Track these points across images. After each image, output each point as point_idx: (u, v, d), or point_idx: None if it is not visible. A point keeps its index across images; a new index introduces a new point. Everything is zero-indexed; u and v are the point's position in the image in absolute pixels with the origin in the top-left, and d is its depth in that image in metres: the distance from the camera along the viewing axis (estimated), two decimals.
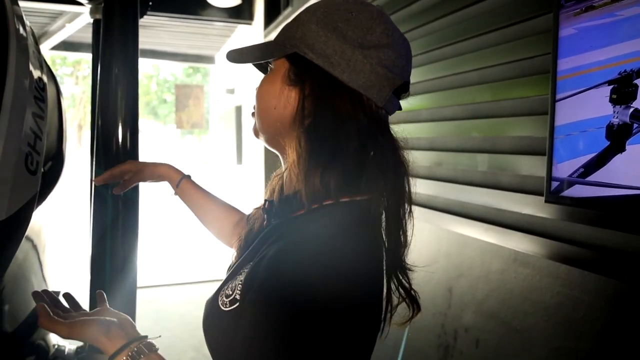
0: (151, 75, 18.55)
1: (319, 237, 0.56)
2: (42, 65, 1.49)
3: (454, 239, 1.79)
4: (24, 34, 1.28)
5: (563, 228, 1.28)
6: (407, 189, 0.63)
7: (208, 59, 7.59)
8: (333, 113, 0.59)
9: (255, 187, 4.77)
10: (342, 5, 0.62)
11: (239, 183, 5.89)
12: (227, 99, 6.97)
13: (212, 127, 9.82)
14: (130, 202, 1.36)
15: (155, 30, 5.56)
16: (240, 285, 0.58)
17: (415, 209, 2.00)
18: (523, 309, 1.46)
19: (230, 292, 0.59)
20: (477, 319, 1.66)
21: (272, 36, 4.22)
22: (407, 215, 0.63)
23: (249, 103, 5.04)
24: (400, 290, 0.63)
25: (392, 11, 2.12)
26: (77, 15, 4.60)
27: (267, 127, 0.66)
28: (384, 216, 0.62)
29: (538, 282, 1.40)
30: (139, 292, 1.45)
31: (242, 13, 4.65)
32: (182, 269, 4.99)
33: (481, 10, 1.59)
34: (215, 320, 0.60)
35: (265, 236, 0.64)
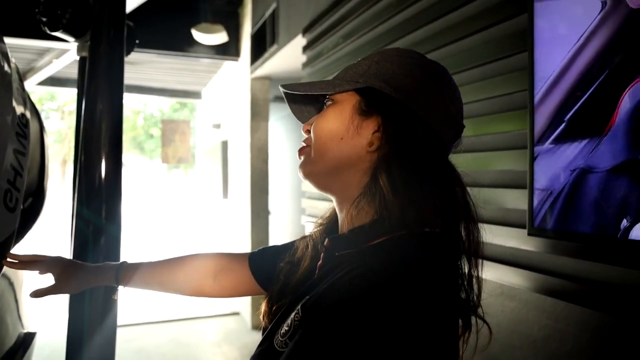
0: (138, 110, 18.60)
1: (397, 267, 0.52)
2: (26, 101, 1.49)
3: None
4: (9, 71, 1.28)
5: (547, 260, 1.29)
6: (477, 234, 0.61)
7: (195, 94, 7.65)
8: (418, 142, 0.57)
9: (241, 222, 4.74)
10: (414, 54, 0.65)
11: (225, 217, 5.84)
12: (213, 133, 7.00)
13: (198, 161, 9.82)
14: (112, 240, 1.34)
15: (142, 66, 5.62)
16: (298, 315, 0.54)
17: None
18: (511, 343, 1.44)
19: (288, 328, 0.55)
20: (465, 354, 1.64)
21: (259, 72, 4.30)
22: (479, 263, 0.61)
23: (235, 138, 5.06)
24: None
25: (376, 49, 2.18)
26: (64, 51, 4.64)
27: (330, 159, 0.62)
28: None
29: (525, 315, 1.39)
30: (119, 331, 1.41)
31: (228, 49, 4.73)
32: (164, 306, 4.87)
33: (460, 48, 1.64)
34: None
35: (330, 268, 0.59)
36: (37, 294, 0.96)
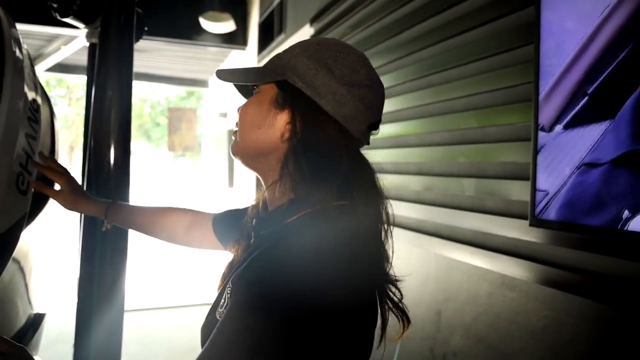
0: (145, 98, 18.63)
1: (303, 242, 0.59)
2: (37, 87, 1.51)
3: (443, 263, 1.80)
4: (21, 57, 1.30)
5: (547, 251, 1.30)
6: (383, 209, 0.68)
7: (202, 83, 7.66)
8: (323, 135, 0.65)
9: None
10: (332, 46, 0.69)
11: (230, 205, 5.88)
12: (219, 122, 7.02)
13: (204, 150, 9.84)
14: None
15: (150, 54, 5.63)
16: (230, 289, 0.59)
17: (404, 232, 2.02)
18: (510, 333, 1.46)
19: (224, 301, 0.61)
20: (465, 343, 1.66)
21: (264, 61, 4.29)
22: (387, 233, 0.68)
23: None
24: (390, 303, 0.66)
25: (383, 39, 2.18)
26: (72, 38, 4.66)
27: (250, 145, 0.70)
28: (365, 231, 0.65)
29: (524, 305, 1.41)
30: (126, 316, 1.44)
31: (236, 38, 4.74)
32: (171, 292, 4.93)
33: (467, 40, 1.65)
34: (210, 329, 0.60)
35: (253, 246, 0.66)
36: (39, 186, 1.10)
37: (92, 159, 1.37)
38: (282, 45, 3.69)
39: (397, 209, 2.05)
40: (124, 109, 1.39)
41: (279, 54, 0.71)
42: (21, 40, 1.34)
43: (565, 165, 1.14)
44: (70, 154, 17.08)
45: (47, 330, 1.68)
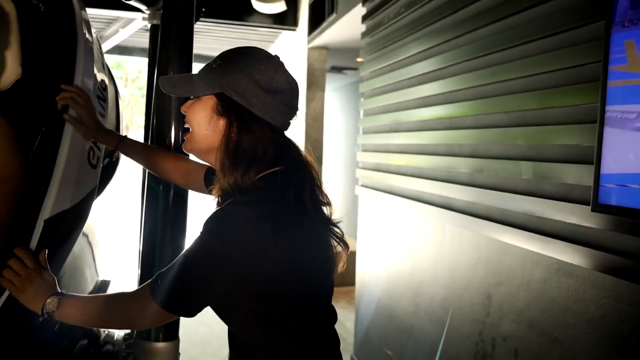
0: None
1: (229, 209, 0.86)
2: (105, 67, 1.59)
3: (494, 246, 1.77)
4: (90, 39, 1.37)
5: (610, 238, 1.26)
6: (309, 172, 0.94)
7: None
8: (253, 136, 0.89)
9: None
10: (257, 58, 0.91)
11: None
12: None
13: None
14: (179, 199, 1.43)
15: (201, 35, 5.74)
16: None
17: (453, 214, 2.02)
18: (565, 320, 1.43)
19: None
20: (517, 328, 1.64)
21: (316, 42, 4.29)
22: (320, 184, 0.96)
23: None
24: (336, 238, 0.95)
25: (438, 18, 2.13)
26: (130, 21, 4.82)
27: (199, 145, 0.94)
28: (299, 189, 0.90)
29: (582, 292, 1.38)
30: None
31: (286, 19, 4.74)
32: None
33: (529, 18, 1.58)
34: None
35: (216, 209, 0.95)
36: (67, 117, 1.21)
37: (155, 137, 1.44)
38: (334, 25, 3.67)
39: (448, 190, 2.06)
40: None
41: (210, 66, 0.92)
42: (90, 23, 1.41)
43: (632, 149, 1.09)
44: (126, 132, 17.77)
45: None
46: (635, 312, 1.21)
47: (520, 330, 1.62)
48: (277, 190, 0.88)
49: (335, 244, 0.95)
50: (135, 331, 1.45)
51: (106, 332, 1.58)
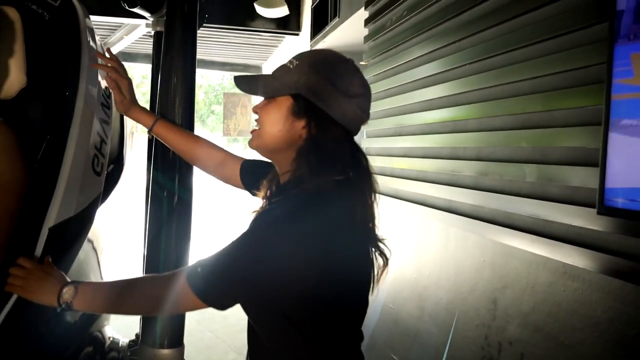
0: (199, 84, 19.15)
1: (284, 212, 0.84)
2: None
3: (499, 250, 1.76)
4: (94, 46, 1.38)
5: (616, 241, 1.25)
6: (372, 182, 0.92)
7: (255, 69, 7.77)
8: (331, 136, 0.86)
9: None
10: (334, 61, 0.89)
11: None
12: None
13: None
14: (183, 205, 1.43)
15: (205, 40, 5.77)
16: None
17: (458, 218, 2.01)
18: (572, 324, 1.42)
19: None
20: (523, 332, 1.63)
21: (320, 46, 4.29)
22: (374, 198, 0.92)
23: None
24: (383, 258, 0.91)
25: (441, 21, 2.13)
26: (134, 27, 4.86)
27: (271, 143, 0.91)
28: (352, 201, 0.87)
29: (589, 296, 1.36)
30: None
31: (289, 23, 4.76)
32: None
33: (534, 20, 1.58)
34: None
35: (267, 207, 0.95)
36: (110, 86, 1.20)
37: (159, 142, 1.44)
38: (337, 29, 3.68)
39: (452, 194, 2.05)
40: (188, 94, 1.44)
41: (285, 67, 0.90)
42: (94, 30, 1.42)
43: (638, 150, 1.08)
44: (131, 138, 17.86)
45: None
46: None
47: (526, 334, 1.61)
48: (340, 199, 0.85)
49: (380, 262, 0.92)
50: (140, 338, 1.45)
51: (111, 338, 1.58)
